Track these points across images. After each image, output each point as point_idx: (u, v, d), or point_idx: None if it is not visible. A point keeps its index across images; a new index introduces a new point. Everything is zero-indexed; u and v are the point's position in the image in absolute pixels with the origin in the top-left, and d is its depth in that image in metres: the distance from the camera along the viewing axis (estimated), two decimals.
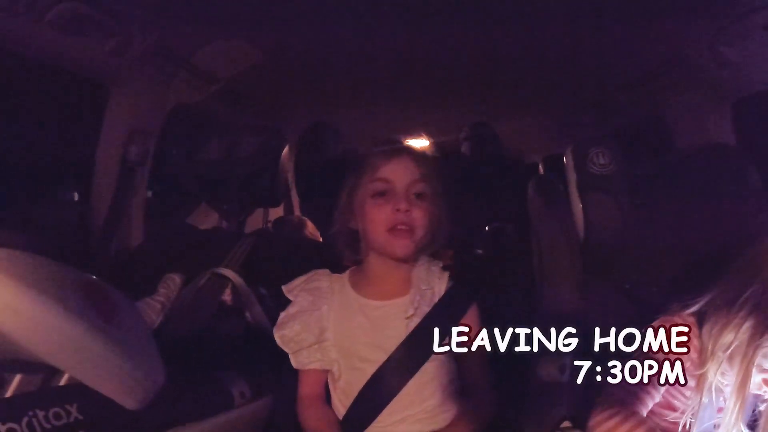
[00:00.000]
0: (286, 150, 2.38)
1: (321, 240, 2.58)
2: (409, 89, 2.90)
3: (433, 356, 1.57)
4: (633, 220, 1.76)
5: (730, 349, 1.29)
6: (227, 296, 1.92)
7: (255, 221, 2.85)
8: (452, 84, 2.86)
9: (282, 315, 1.66)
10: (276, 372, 1.71)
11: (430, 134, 3.80)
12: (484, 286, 1.76)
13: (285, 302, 1.71)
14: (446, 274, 1.68)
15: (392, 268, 1.65)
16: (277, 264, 2.05)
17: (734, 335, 1.29)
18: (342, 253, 1.71)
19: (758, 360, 1.26)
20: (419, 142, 3.72)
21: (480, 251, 2.27)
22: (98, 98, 2.23)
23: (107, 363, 1.09)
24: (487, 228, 2.82)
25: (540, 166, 3.69)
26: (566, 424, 1.57)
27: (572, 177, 1.83)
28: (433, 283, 1.65)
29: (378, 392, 1.57)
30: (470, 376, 1.64)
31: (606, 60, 2.42)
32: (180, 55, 2.28)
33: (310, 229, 2.79)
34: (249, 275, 2.02)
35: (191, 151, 2.36)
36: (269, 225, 2.92)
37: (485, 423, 1.60)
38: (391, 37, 2.20)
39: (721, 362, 1.30)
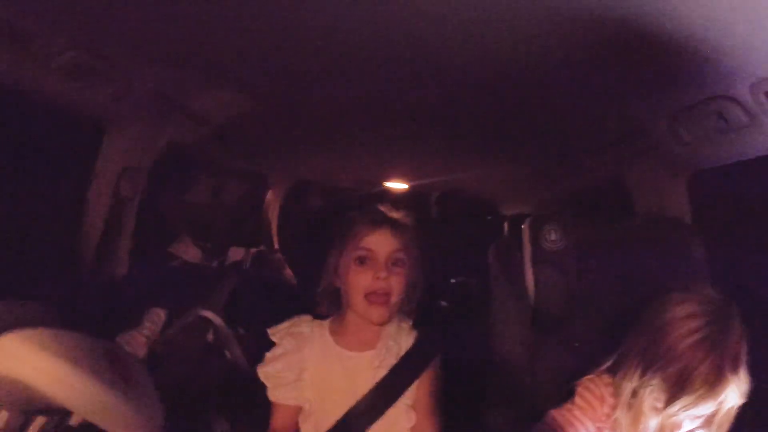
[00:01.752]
0: (269, 194, 2.51)
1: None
2: (390, 139, 3.05)
3: (396, 404, 1.77)
4: (578, 289, 1.92)
5: (630, 393, 1.54)
6: (209, 336, 2.03)
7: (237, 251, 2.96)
8: (430, 135, 3.02)
9: (268, 354, 1.82)
10: (254, 409, 1.84)
11: (407, 178, 4.02)
12: (447, 337, 1.91)
13: (264, 342, 1.87)
14: (413, 333, 1.87)
15: (367, 324, 1.81)
16: (258, 306, 2.18)
17: (630, 380, 1.54)
18: (324, 307, 1.87)
19: (649, 401, 1.51)
20: (397, 185, 3.92)
21: (444, 303, 2.41)
22: (93, 137, 2.34)
23: (124, 413, 1.29)
24: (451, 281, 2.97)
25: (505, 225, 3.87)
26: None
27: (527, 248, 2.00)
28: (400, 339, 1.84)
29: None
30: (422, 422, 1.81)
31: (572, 123, 2.59)
32: (175, 100, 2.40)
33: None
34: (230, 315, 2.15)
35: (179, 191, 2.48)
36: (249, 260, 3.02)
37: None
38: (372, 89, 2.33)
39: (630, 407, 1.54)
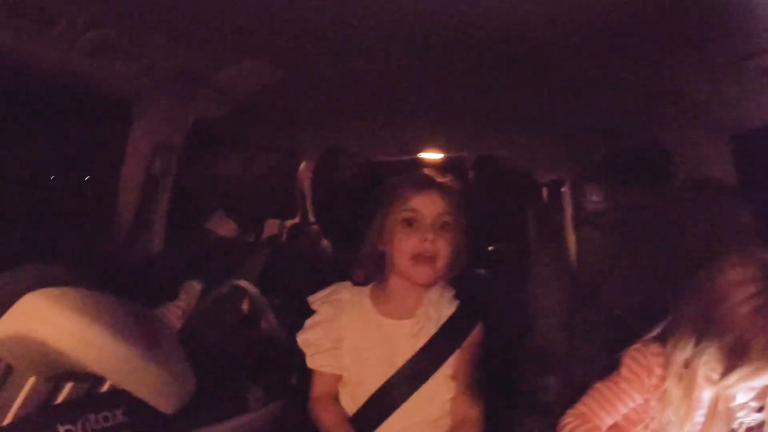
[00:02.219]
0: (302, 166, 2.51)
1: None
2: (424, 108, 3.02)
3: (435, 374, 1.75)
4: (620, 252, 1.86)
5: (682, 364, 1.43)
6: (244, 305, 2.04)
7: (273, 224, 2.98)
8: (465, 103, 2.98)
9: (307, 321, 1.83)
10: (287, 377, 1.84)
11: (441, 148, 3.98)
12: (487, 307, 1.89)
13: (300, 312, 1.87)
14: (455, 302, 1.84)
15: (409, 290, 1.80)
16: (293, 276, 2.19)
17: (683, 350, 1.43)
18: (365, 272, 1.86)
19: (704, 371, 1.41)
20: (432, 156, 3.88)
21: (482, 271, 2.38)
22: (124, 116, 2.35)
23: (151, 377, 1.28)
24: (489, 249, 2.94)
25: (544, 191, 3.75)
26: None
27: (568, 209, 1.96)
28: (441, 307, 1.82)
29: (383, 402, 1.75)
30: (462, 401, 1.78)
31: (610, 84, 2.50)
32: (201, 75, 2.40)
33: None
34: (265, 286, 2.16)
35: (211, 165, 2.49)
36: (285, 233, 3.02)
37: None
38: (406, 55, 2.30)
39: (681, 377, 1.43)
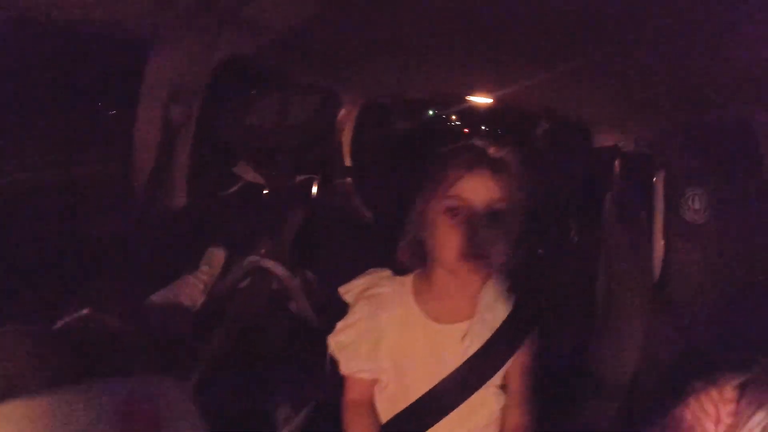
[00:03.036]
0: (342, 113, 2.17)
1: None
2: (473, 47, 2.61)
3: (486, 384, 1.54)
4: (716, 270, 1.57)
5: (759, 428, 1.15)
6: (274, 284, 1.76)
7: None
8: (519, 43, 2.56)
9: (340, 324, 1.58)
10: (319, 371, 1.58)
11: (492, 88, 3.51)
12: (546, 297, 1.60)
13: (333, 288, 1.63)
14: (511, 297, 1.60)
15: (459, 287, 1.55)
16: (329, 244, 1.89)
17: (764, 415, 1.15)
18: (407, 261, 1.59)
19: None
20: (481, 99, 3.44)
21: (541, 251, 2.05)
22: (139, 56, 2.04)
23: None
24: (550, 224, 2.52)
25: (616, 164, 3.17)
26: None
27: (659, 213, 1.66)
28: (496, 308, 1.59)
29: (425, 412, 1.53)
30: (513, 411, 1.60)
31: (695, 51, 2.09)
32: (227, 6, 2.06)
33: None
34: (297, 254, 1.87)
35: (239, 113, 2.17)
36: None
37: None
38: None
39: None
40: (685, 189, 1.63)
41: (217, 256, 1.89)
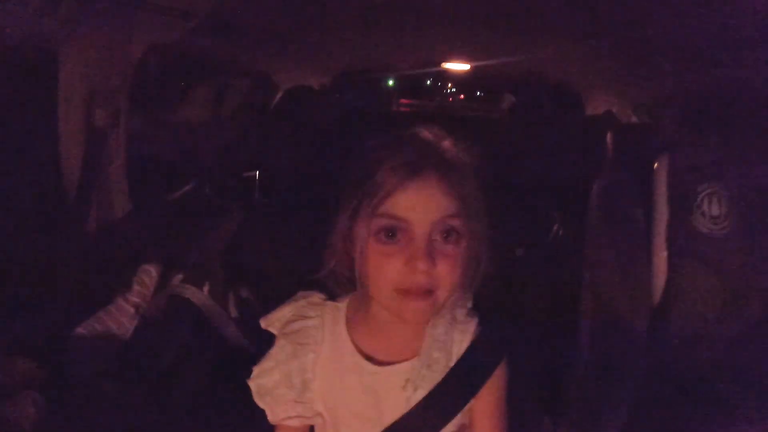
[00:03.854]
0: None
1: None
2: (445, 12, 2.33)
3: None
4: (735, 293, 1.25)
5: None
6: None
7: None
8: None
9: (255, 369, 1.29)
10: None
11: (468, 58, 3.15)
12: (522, 314, 1.38)
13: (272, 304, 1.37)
14: (471, 326, 1.28)
15: (400, 323, 1.22)
16: (265, 253, 1.75)
17: None
18: (336, 289, 1.29)
19: None
20: (456, 66, 3.08)
21: (520, 251, 1.78)
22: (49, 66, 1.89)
23: None
24: (530, 218, 2.16)
25: (608, 142, 2.76)
26: None
27: (662, 215, 1.31)
28: (450, 343, 1.26)
29: None
30: None
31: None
32: None
33: None
34: (232, 265, 1.74)
35: (163, 110, 2.02)
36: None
37: None
38: None
39: None
40: (697, 185, 1.27)
41: (149, 272, 1.77)
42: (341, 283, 1.27)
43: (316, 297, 1.33)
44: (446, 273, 1.12)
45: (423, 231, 1.10)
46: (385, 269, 1.12)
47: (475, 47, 2.74)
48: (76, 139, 1.97)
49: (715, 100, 2.09)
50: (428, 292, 1.12)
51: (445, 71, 2.98)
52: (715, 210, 1.23)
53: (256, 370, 1.29)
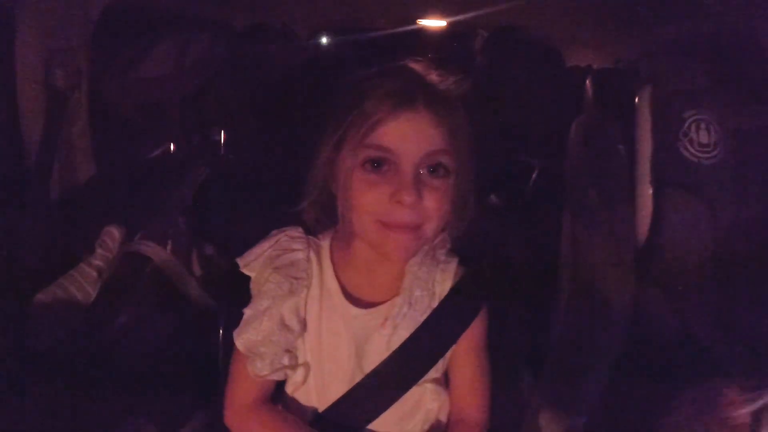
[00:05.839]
0: None
1: None
2: None
3: (421, 380, 1.23)
4: (728, 232, 1.20)
5: None
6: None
7: None
8: None
9: (246, 312, 1.22)
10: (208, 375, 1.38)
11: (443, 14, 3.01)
12: (500, 263, 1.32)
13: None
14: (452, 266, 1.26)
15: (381, 260, 1.22)
16: (232, 207, 1.67)
17: None
18: (316, 224, 1.27)
19: None
20: (432, 23, 2.97)
21: (496, 199, 1.72)
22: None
23: None
24: (506, 165, 2.03)
25: (588, 84, 2.24)
26: None
27: (647, 146, 1.24)
28: (432, 283, 1.23)
29: (345, 418, 1.22)
30: (463, 406, 1.27)
31: None
32: None
33: None
34: (198, 223, 1.68)
35: (124, 66, 1.95)
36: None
37: None
38: None
39: None
40: (683, 111, 1.22)
41: (113, 235, 1.71)
42: (320, 221, 1.26)
43: (295, 231, 1.27)
44: (433, 207, 1.12)
45: (410, 163, 1.10)
46: (370, 199, 1.11)
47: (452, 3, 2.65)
48: (35, 101, 1.92)
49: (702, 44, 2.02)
50: (414, 228, 1.12)
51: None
52: (703, 137, 1.18)
53: (246, 314, 1.22)
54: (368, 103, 1.10)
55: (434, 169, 1.12)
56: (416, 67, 1.18)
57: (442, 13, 2.75)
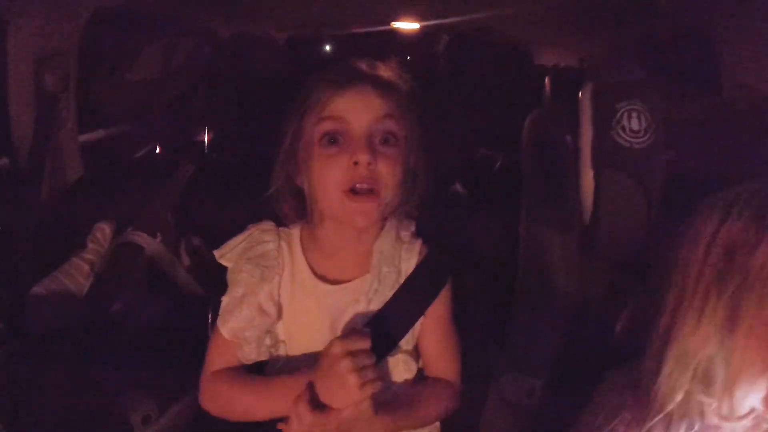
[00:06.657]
0: None
1: None
2: None
3: (393, 351, 1.30)
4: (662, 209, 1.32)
5: None
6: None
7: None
8: None
9: (225, 302, 1.30)
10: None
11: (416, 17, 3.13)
12: (463, 242, 1.42)
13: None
14: (416, 245, 1.34)
15: (351, 239, 1.31)
16: (216, 202, 1.76)
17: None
18: (286, 213, 1.34)
19: None
20: (405, 25, 3.09)
21: (460, 188, 1.83)
22: None
23: None
24: (471, 157, 2.22)
25: (546, 82, 2.51)
26: None
27: (587, 135, 1.37)
28: (398, 259, 1.32)
29: None
30: (435, 372, 1.35)
31: None
32: None
33: None
34: (185, 216, 1.76)
35: (113, 71, 2.04)
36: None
37: (439, 415, 1.33)
38: None
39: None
40: (617, 105, 1.34)
41: (104, 230, 1.79)
42: (290, 215, 1.33)
43: (267, 224, 1.36)
44: (387, 172, 1.21)
45: (362, 129, 1.20)
46: (331, 170, 1.20)
47: (424, 6, 2.77)
48: (26, 104, 2.00)
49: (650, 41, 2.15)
50: (371, 190, 1.20)
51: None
52: (635, 125, 1.31)
53: (224, 303, 1.30)
54: (318, 87, 1.23)
55: (386, 140, 1.22)
56: (362, 61, 1.30)
57: (415, 17, 2.89)
